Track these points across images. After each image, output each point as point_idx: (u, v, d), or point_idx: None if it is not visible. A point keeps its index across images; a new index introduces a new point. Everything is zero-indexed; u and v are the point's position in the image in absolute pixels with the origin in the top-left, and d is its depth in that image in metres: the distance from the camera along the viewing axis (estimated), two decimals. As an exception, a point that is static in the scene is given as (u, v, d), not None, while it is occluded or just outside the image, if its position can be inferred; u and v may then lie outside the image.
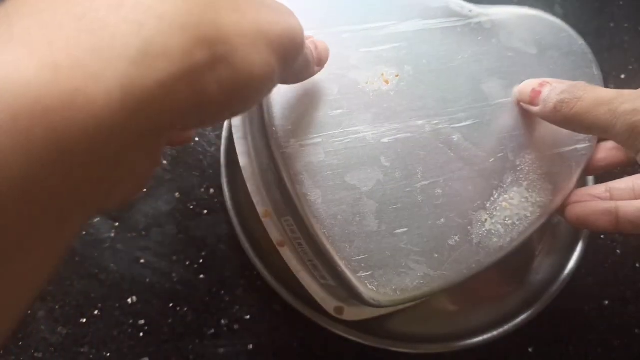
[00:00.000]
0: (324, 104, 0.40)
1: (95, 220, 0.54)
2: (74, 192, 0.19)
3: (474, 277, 0.41)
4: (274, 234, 0.46)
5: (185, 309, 0.54)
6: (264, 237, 0.47)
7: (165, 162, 0.57)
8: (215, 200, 0.57)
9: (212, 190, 0.57)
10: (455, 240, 0.40)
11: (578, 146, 0.45)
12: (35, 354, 0.51)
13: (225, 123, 0.55)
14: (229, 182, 0.54)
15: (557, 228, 0.57)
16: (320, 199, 0.39)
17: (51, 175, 0.18)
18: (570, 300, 0.57)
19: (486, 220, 0.41)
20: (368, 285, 0.39)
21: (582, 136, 0.45)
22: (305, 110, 0.39)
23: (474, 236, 0.41)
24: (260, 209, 0.46)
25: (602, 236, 0.61)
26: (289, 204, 0.40)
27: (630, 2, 0.69)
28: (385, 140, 0.40)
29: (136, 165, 0.23)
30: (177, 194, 0.56)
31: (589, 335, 0.58)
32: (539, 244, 0.58)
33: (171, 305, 0.53)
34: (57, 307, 0.52)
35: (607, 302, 0.59)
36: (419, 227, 0.40)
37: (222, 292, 0.55)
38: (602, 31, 0.67)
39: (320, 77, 0.39)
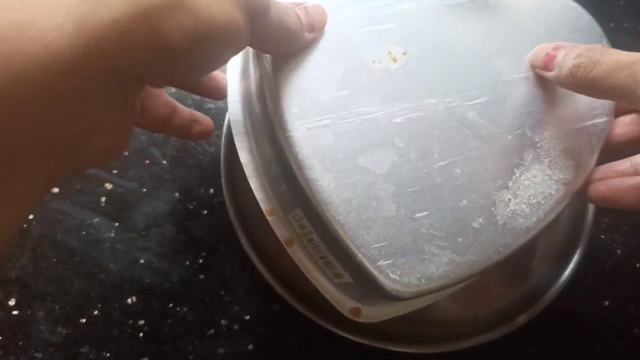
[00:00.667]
0: (331, 85, 0.35)
1: (95, 220, 0.52)
2: (37, 131, 0.19)
3: (503, 262, 0.36)
4: (281, 233, 0.39)
5: (185, 309, 0.51)
6: (264, 236, 0.42)
7: (165, 162, 0.54)
8: (215, 200, 0.54)
9: (212, 190, 0.54)
10: (480, 223, 0.35)
11: (596, 120, 0.40)
12: (35, 354, 0.48)
13: (225, 123, 0.52)
14: (229, 182, 0.50)
15: (557, 228, 0.54)
16: (333, 184, 0.33)
17: (8, 103, 0.18)
18: (570, 301, 0.53)
19: (510, 200, 0.36)
20: (390, 274, 0.33)
21: (599, 110, 0.40)
22: (310, 91, 0.35)
23: (498, 217, 0.36)
24: (264, 207, 0.40)
25: (602, 236, 0.58)
26: (297, 193, 0.35)
27: (630, 2, 0.67)
28: (398, 120, 0.35)
29: (105, 115, 0.23)
30: (177, 194, 0.54)
31: (589, 335, 0.55)
32: (538, 244, 0.54)
33: (171, 305, 0.50)
34: (57, 307, 0.49)
35: (607, 303, 0.56)
36: (439, 209, 0.34)
37: (222, 292, 0.52)
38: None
39: (324, 57, 0.35)
